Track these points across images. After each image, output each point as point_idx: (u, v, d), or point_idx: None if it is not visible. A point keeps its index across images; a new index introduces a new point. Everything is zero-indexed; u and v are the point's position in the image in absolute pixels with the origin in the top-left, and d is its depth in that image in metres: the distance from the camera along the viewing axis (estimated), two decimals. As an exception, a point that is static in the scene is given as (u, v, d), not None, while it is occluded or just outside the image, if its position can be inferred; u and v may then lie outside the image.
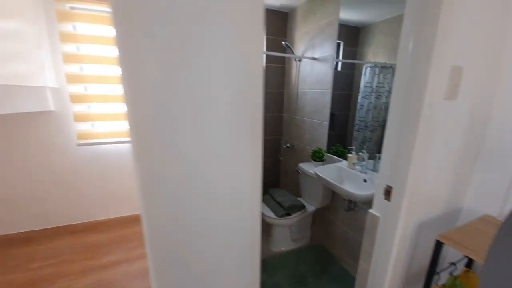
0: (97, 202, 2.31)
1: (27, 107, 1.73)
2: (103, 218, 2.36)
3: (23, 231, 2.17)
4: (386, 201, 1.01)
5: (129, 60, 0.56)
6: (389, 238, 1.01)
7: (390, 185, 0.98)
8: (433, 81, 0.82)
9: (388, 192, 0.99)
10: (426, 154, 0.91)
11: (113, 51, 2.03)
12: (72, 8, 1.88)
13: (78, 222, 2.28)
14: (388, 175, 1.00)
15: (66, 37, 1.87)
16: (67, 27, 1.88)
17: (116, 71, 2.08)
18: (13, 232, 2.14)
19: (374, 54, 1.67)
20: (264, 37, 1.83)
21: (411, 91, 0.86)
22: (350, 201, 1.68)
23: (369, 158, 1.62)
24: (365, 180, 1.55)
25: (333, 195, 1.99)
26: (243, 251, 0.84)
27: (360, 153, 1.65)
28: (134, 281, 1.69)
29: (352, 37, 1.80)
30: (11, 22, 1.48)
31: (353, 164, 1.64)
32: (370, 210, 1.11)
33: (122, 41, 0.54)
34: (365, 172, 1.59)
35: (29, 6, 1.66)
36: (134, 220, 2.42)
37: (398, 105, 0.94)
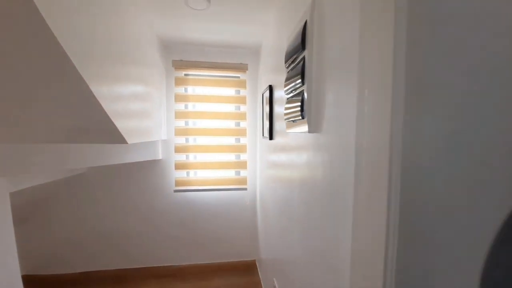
0: (182, 247, 2.38)
1: (144, 157, 2.01)
2: (186, 264, 2.39)
3: (116, 268, 2.34)
4: None
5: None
6: None
7: None
8: None
9: None
10: None
11: (211, 107, 2.29)
12: (186, 75, 2.26)
13: (165, 265, 2.36)
14: None
15: (179, 98, 2.21)
16: (181, 90, 2.23)
17: (212, 124, 2.30)
18: (107, 269, 2.33)
19: None
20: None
21: None
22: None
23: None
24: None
25: None
26: None
27: None
28: None
29: None
30: (146, 88, 1.82)
31: None
32: None
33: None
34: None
35: (158, 75, 2.05)
36: (213, 270, 2.35)
37: None
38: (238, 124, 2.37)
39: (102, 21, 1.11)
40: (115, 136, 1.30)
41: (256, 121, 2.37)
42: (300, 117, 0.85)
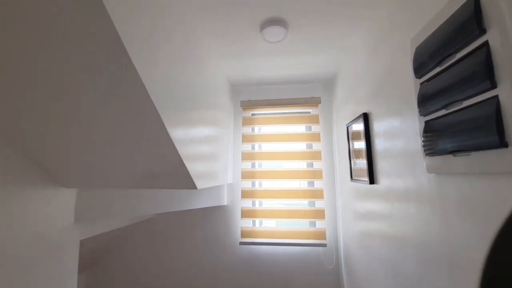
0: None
1: (210, 202, 1.81)
2: None
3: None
4: None
5: None
6: None
7: None
8: None
9: None
10: None
11: (280, 147, 2.05)
12: (253, 114, 2.15)
13: None
14: None
15: (246, 138, 2.07)
16: (248, 130, 2.10)
17: (281, 165, 2.02)
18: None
19: None
20: None
21: None
22: None
23: None
24: None
25: None
26: None
27: None
28: None
29: None
30: (216, 130, 1.72)
31: None
32: None
33: None
34: None
35: (227, 117, 1.98)
36: None
37: None
38: (311, 165, 2.03)
39: (181, 70, 1.08)
40: (186, 181, 1.15)
41: (333, 161, 1.99)
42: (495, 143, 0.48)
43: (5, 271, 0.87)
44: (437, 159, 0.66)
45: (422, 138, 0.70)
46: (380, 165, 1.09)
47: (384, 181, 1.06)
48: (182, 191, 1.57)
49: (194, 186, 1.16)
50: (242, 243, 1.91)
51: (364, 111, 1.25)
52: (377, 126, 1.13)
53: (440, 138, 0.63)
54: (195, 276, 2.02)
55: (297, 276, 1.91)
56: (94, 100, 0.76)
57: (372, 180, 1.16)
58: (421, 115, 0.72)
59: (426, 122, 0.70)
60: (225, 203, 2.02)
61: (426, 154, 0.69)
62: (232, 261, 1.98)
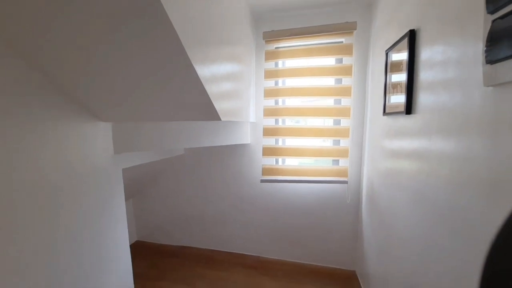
0: (271, 240, 2.20)
1: (234, 140, 1.87)
2: (274, 258, 2.21)
3: (207, 248, 2.40)
4: None
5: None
6: None
7: None
8: None
9: None
10: None
11: (305, 82, 1.92)
12: (277, 48, 1.96)
13: (252, 254, 2.26)
14: None
15: (269, 74, 1.95)
16: (271, 65, 1.96)
17: (306, 102, 1.93)
18: (200, 247, 2.42)
19: None
20: None
21: None
22: None
23: None
24: None
25: None
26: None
27: None
28: None
29: None
30: (238, 66, 1.63)
31: None
32: None
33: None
34: None
35: (248, 51, 1.84)
36: (303, 273, 2.05)
37: None
38: (339, 102, 1.91)
39: (203, 3, 0.96)
40: (211, 113, 1.17)
41: (364, 97, 1.84)
42: None
43: (65, 190, 1.03)
44: (501, 66, 0.54)
45: (486, 43, 0.57)
46: (422, 93, 0.97)
47: (424, 111, 0.96)
48: (209, 128, 1.61)
49: (218, 118, 1.17)
50: (263, 181, 2.01)
51: (411, 28, 1.05)
52: (424, 47, 0.95)
53: (508, 38, 0.50)
54: (225, 205, 2.27)
55: (319, 210, 2.04)
56: (126, 37, 0.75)
57: (409, 110, 1.06)
58: (488, 12, 0.56)
59: (494, 21, 0.55)
60: (249, 142, 2.07)
61: (487, 62, 0.57)
62: (255, 196, 2.16)
